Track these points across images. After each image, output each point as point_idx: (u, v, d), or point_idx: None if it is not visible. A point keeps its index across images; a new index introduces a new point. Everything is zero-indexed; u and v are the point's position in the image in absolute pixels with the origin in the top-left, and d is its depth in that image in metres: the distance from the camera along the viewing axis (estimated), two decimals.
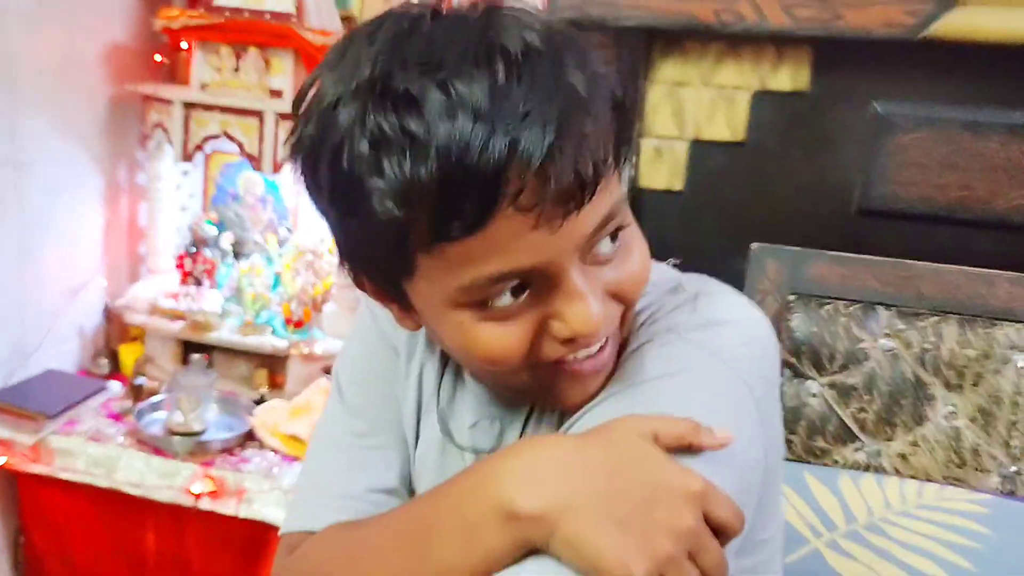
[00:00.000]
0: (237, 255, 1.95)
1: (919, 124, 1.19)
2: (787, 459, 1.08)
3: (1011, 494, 1.01)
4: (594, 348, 0.54)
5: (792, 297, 1.15)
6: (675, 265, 0.64)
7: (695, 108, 1.31)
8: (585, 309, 0.50)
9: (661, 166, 1.33)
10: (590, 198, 0.48)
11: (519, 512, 0.46)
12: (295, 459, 1.61)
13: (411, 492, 0.68)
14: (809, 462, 1.07)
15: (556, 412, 0.60)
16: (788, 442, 1.09)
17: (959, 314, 1.08)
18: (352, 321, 0.73)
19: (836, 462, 1.06)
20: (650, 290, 0.57)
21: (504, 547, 0.47)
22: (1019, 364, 1.03)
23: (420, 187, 0.46)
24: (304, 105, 0.52)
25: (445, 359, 0.66)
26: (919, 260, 1.13)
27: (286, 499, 1.50)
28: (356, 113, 0.48)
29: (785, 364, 1.12)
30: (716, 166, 1.30)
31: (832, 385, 1.09)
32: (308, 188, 0.53)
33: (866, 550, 0.95)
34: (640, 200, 1.33)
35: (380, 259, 0.52)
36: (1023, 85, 1.16)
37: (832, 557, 0.95)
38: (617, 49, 1.32)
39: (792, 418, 1.09)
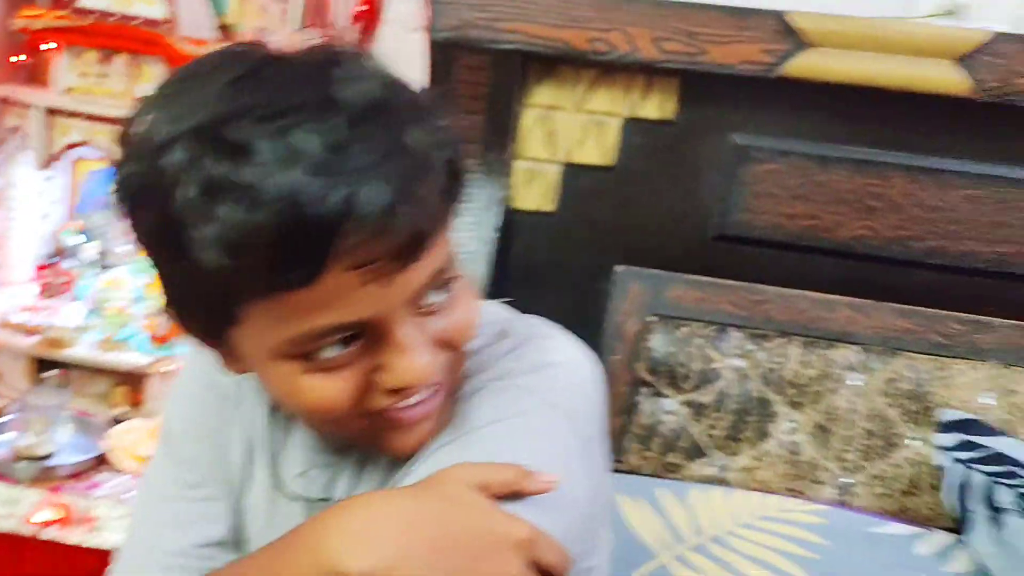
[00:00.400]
0: (104, 267, 1.85)
1: (773, 156, 1.26)
2: (642, 474, 1.11)
3: (843, 504, 1.06)
4: (422, 396, 0.54)
5: (652, 318, 1.18)
6: (507, 302, 0.65)
7: (567, 132, 1.34)
8: (413, 361, 0.50)
9: (533, 188, 1.35)
10: (424, 254, 0.49)
11: (348, 573, 0.45)
12: None
13: (239, 541, 0.66)
14: (663, 477, 1.10)
15: (386, 459, 0.60)
16: (644, 458, 1.12)
17: (803, 336, 1.14)
18: None
19: (689, 477, 1.10)
20: (478, 332, 0.58)
21: None
22: (852, 383, 1.09)
23: (251, 238, 0.45)
24: (131, 142, 0.50)
25: (275, 404, 0.64)
26: (769, 285, 1.19)
27: None
28: (188, 157, 0.46)
29: (643, 383, 1.15)
30: (586, 189, 1.33)
31: (687, 403, 1.12)
32: (132, 230, 0.51)
33: (712, 563, 0.98)
34: (512, 221, 1.35)
35: (204, 307, 0.51)
36: (867, 123, 1.25)
37: (678, 571, 0.98)
38: (493, 72, 1.33)
39: (648, 435, 1.12)
